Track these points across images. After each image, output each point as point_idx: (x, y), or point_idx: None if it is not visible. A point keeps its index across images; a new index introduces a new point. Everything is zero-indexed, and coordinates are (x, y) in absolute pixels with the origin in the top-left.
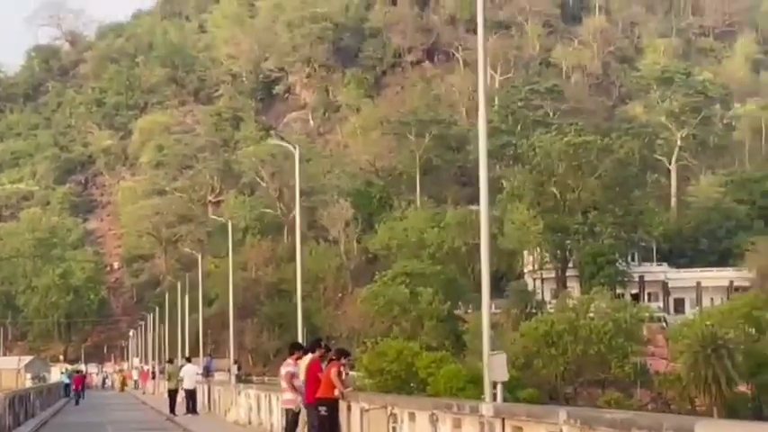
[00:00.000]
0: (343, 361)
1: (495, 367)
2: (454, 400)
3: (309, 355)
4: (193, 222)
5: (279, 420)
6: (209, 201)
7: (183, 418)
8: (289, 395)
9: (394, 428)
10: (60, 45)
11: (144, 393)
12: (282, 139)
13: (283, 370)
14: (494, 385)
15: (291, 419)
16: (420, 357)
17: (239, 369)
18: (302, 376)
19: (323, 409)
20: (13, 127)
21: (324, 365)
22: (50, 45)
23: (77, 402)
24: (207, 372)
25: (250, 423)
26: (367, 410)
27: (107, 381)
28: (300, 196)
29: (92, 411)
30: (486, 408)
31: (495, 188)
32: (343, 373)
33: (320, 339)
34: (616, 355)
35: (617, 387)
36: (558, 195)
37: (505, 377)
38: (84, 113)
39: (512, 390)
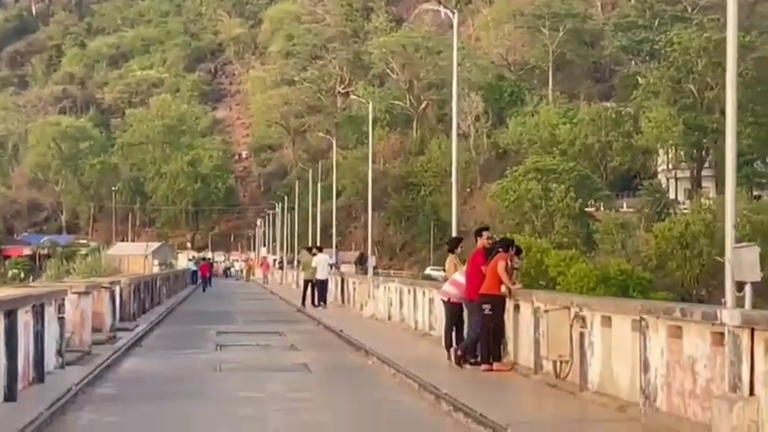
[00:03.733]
0: (511, 253)
1: (745, 263)
2: (675, 303)
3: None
4: (322, 113)
5: (425, 317)
6: (338, 91)
7: (318, 312)
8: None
9: (582, 335)
10: None
11: (268, 283)
12: (440, 2)
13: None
14: (739, 287)
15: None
16: (550, 255)
17: (367, 262)
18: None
19: (487, 308)
20: (144, 14)
21: (489, 258)
22: None
23: (204, 289)
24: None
25: (390, 319)
26: (546, 311)
27: (232, 269)
28: (431, 89)
29: (219, 300)
30: (730, 315)
31: (630, 84)
32: (512, 268)
33: (486, 227)
34: None
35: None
36: (696, 93)
37: (757, 276)
38: (214, 1)
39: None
